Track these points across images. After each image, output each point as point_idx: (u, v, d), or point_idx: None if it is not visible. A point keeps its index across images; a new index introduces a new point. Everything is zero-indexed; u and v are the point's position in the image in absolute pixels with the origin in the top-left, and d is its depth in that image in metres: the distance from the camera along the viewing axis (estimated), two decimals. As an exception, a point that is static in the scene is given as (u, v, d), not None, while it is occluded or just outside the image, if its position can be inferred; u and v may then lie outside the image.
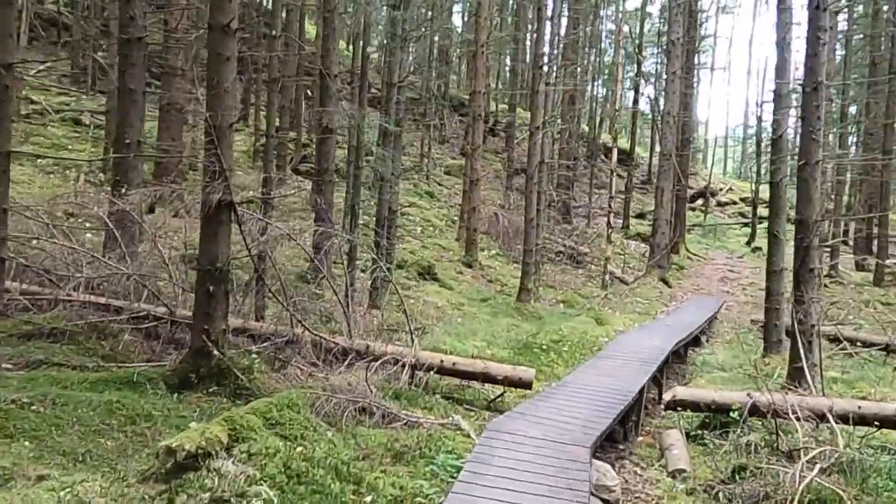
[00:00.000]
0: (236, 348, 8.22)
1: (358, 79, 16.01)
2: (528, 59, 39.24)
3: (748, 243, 31.68)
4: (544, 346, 13.18)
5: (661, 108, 22.49)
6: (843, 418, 7.58)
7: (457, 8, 43.07)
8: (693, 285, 21.57)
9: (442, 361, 8.67)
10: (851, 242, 24.03)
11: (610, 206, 19.02)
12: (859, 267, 23.66)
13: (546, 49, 17.42)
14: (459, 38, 40.01)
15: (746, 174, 48.03)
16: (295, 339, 8.88)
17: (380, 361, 8.60)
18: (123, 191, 10.40)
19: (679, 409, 8.05)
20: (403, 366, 8.54)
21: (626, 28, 25.59)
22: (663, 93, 22.34)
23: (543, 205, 19.54)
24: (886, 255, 23.07)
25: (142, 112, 11.74)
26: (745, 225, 35.58)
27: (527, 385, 8.49)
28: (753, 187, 34.57)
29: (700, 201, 38.25)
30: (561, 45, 21.11)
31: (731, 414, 7.75)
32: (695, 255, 26.75)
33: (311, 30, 30.49)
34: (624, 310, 17.57)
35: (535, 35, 18.64)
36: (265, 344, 8.75)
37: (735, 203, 40.79)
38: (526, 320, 15.21)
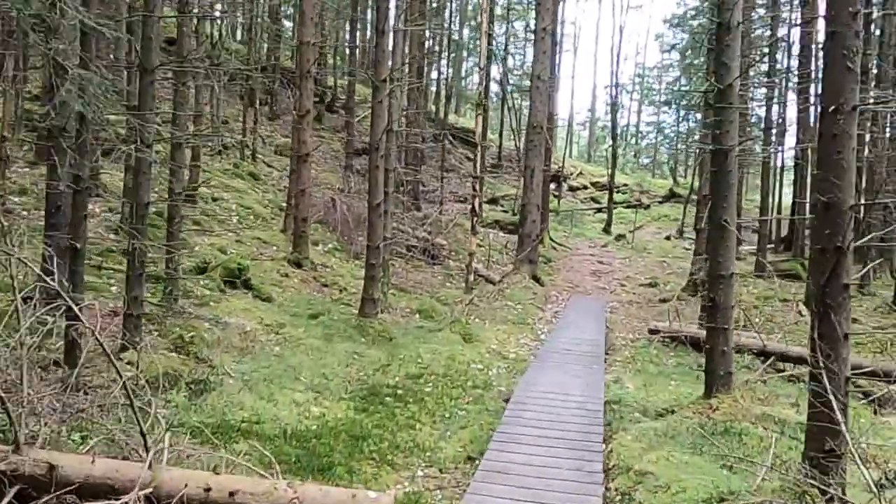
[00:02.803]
0: None
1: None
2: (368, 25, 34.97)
3: (605, 230, 30.11)
4: (399, 390, 9.19)
5: (532, 72, 19.15)
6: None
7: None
8: (566, 281, 18.50)
9: (208, 491, 4.35)
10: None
11: (475, 188, 15.24)
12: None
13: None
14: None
15: (596, 158, 47.13)
16: None
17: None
18: None
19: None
20: (125, 510, 4.14)
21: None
22: (532, 54, 18.97)
23: (391, 187, 15.43)
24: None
25: None
26: (600, 210, 33.99)
27: (380, 528, 4.41)
28: (609, 171, 33.00)
29: (553, 185, 36.15)
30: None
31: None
32: (559, 244, 24.00)
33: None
34: (494, 318, 14.00)
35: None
36: None
37: (586, 188, 39.36)
38: (372, 344, 11.11)
